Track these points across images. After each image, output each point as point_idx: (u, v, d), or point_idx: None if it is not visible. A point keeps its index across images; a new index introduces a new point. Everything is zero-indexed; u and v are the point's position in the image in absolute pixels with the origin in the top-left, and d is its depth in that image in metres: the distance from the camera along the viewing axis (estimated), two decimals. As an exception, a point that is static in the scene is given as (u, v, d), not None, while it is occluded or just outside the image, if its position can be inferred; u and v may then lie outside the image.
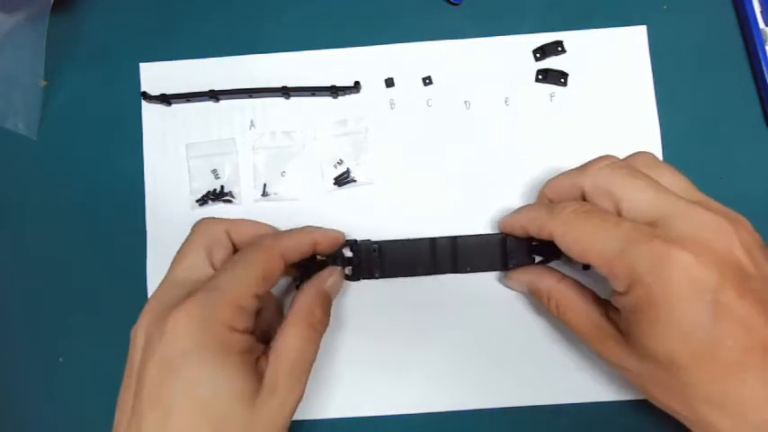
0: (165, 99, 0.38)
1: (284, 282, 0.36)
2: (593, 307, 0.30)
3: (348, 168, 0.37)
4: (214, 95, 0.37)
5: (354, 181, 0.37)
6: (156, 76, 0.39)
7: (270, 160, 0.38)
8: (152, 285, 0.37)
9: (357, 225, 0.36)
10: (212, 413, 0.25)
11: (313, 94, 0.38)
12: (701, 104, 0.37)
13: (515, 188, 0.37)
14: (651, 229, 0.26)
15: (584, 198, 0.30)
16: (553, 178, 0.33)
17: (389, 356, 0.36)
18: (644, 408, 0.34)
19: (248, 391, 0.26)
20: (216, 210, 0.37)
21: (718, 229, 0.26)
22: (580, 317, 0.31)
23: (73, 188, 0.38)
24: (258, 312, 0.30)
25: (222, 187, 0.38)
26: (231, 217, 0.33)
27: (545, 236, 0.30)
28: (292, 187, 0.37)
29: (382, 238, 0.36)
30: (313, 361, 0.30)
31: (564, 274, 0.33)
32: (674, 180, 0.29)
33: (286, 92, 0.37)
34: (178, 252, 0.31)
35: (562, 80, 0.37)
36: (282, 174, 0.38)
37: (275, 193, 0.37)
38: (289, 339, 0.29)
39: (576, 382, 0.35)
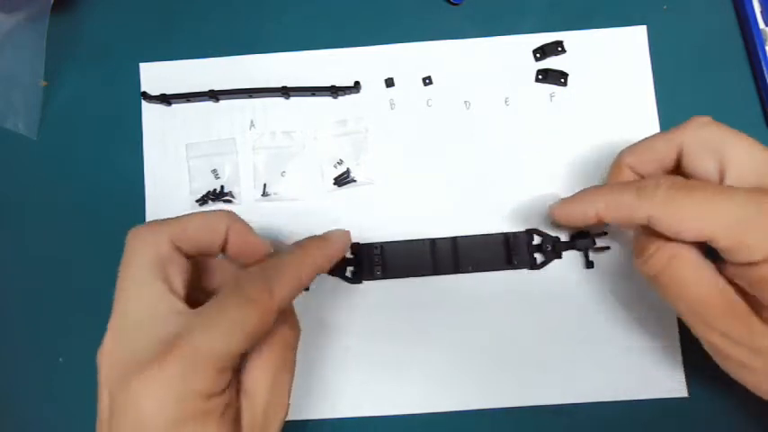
0: (165, 99, 0.38)
1: None
2: (714, 272, 0.26)
3: (348, 168, 0.37)
4: (214, 95, 0.37)
5: (354, 181, 0.37)
6: (156, 76, 0.39)
7: (270, 160, 0.38)
8: (152, 285, 0.37)
9: (357, 225, 0.36)
10: None
11: (313, 94, 0.38)
12: (701, 104, 0.37)
13: (515, 188, 0.37)
14: None
15: (677, 163, 0.28)
16: (633, 144, 0.30)
17: (390, 356, 0.36)
18: (644, 408, 0.34)
19: None
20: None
21: None
22: (702, 278, 0.25)
23: (73, 188, 0.38)
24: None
25: (222, 187, 0.38)
26: None
27: (637, 221, 0.26)
28: (292, 187, 0.37)
29: (382, 239, 0.36)
30: (291, 378, 0.28)
31: None
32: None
33: (286, 92, 0.37)
34: (121, 276, 0.25)
35: (562, 80, 0.37)
36: (282, 174, 0.38)
37: (275, 193, 0.37)
38: (259, 383, 0.26)
39: (577, 382, 0.35)
